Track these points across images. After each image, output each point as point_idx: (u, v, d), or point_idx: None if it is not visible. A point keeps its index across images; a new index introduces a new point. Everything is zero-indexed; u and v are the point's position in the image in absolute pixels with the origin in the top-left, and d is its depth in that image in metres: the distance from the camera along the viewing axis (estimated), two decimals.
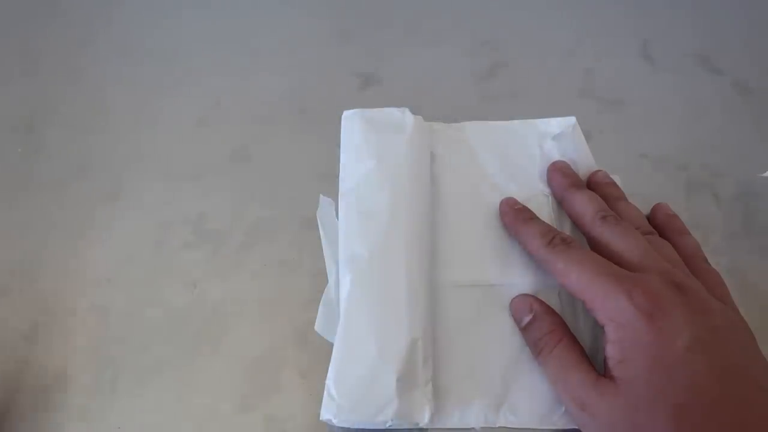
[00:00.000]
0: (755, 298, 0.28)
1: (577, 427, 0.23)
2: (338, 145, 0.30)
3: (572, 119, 0.32)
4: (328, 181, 0.30)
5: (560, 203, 0.29)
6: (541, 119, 0.32)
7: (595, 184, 0.29)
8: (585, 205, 0.27)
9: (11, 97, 0.35)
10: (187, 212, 0.30)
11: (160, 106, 0.34)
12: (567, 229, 0.29)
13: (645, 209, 0.29)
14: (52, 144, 0.33)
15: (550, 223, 0.28)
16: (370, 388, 0.23)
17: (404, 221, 0.27)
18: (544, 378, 0.25)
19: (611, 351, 0.22)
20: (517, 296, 0.27)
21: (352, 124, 0.30)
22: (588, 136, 0.31)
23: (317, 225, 0.29)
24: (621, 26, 0.38)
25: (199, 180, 0.32)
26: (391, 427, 0.23)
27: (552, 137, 0.31)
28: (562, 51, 0.37)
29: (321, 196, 0.30)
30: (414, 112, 0.30)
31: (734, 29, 0.38)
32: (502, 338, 0.26)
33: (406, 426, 0.24)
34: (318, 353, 0.26)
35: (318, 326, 0.27)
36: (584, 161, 0.31)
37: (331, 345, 0.25)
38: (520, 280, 0.27)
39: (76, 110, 0.34)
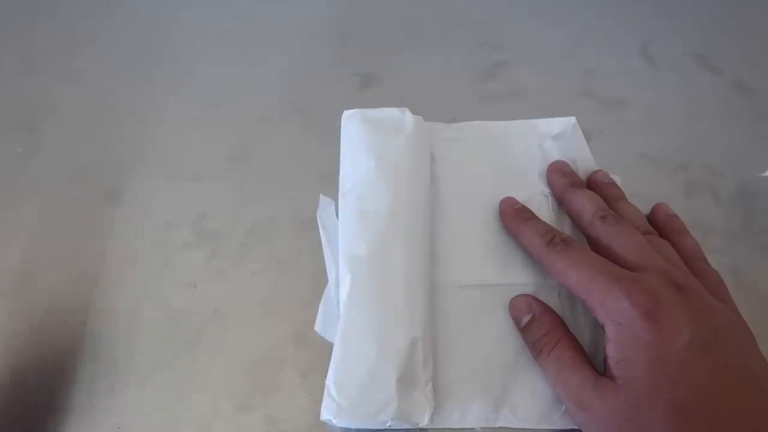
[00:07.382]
0: (755, 298, 0.28)
1: (577, 427, 0.23)
2: (338, 145, 0.30)
3: (572, 119, 0.32)
4: (328, 181, 0.30)
5: (560, 203, 0.29)
6: (541, 119, 0.32)
7: (595, 184, 0.29)
8: (584, 204, 0.27)
9: (11, 97, 0.35)
10: (187, 212, 0.30)
11: (160, 106, 0.34)
12: (567, 229, 0.29)
13: (645, 209, 0.29)
14: (52, 144, 0.33)
15: (550, 223, 0.28)
16: (370, 388, 0.23)
17: (404, 221, 0.27)
18: (544, 378, 0.25)
19: (611, 350, 0.22)
20: (516, 296, 0.27)
21: (352, 124, 0.30)
22: (588, 136, 0.31)
23: (317, 225, 0.29)
24: (621, 26, 0.38)
25: (199, 180, 0.32)
26: (391, 427, 0.23)
27: (552, 137, 0.31)
28: (562, 51, 0.37)
29: (321, 196, 0.30)
30: (414, 112, 0.30)
31: (734, 29, 0.38)
32: (502, 338, 0.26)
33: (406, 426, 0.24)
34: (318, 353, 0.26)
35: (318, 326, 0.27)
36: (584, 161, 0.31)
37: (331, 345, 0.25)
38: (520, 280, 0.27)
39: (76, 110, 0.34)
